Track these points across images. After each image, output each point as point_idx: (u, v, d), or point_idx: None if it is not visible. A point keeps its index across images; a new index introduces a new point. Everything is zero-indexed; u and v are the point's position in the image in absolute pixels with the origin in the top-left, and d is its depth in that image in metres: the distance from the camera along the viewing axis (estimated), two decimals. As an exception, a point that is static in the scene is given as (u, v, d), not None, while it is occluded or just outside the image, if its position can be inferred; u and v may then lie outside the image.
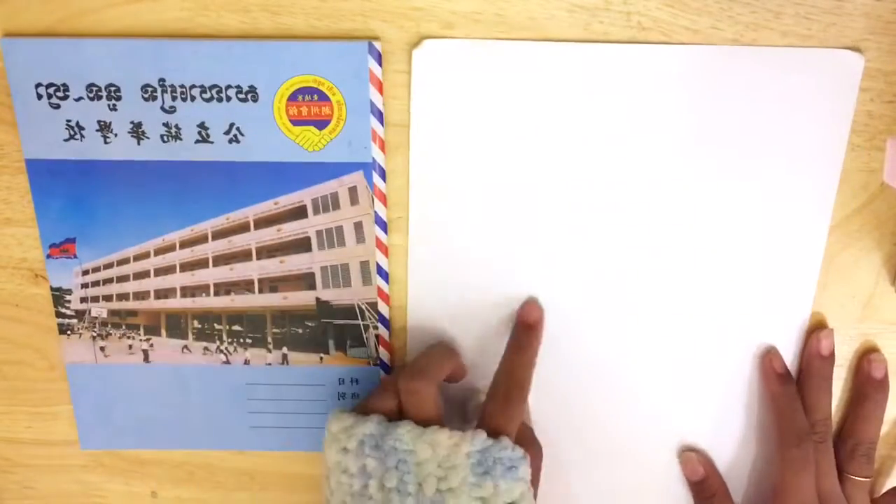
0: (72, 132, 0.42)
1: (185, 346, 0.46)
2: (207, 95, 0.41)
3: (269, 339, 0.46)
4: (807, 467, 0.42)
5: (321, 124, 0.41)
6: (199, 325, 0.46)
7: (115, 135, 0.42)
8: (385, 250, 0.44)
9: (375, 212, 0.43)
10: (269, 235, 0.44)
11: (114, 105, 0.41)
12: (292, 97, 0.41)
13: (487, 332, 0.45)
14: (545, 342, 0.45)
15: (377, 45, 0.40)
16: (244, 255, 0.44)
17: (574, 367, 0.46)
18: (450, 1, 0.39)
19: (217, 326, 0.46)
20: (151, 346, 0.46)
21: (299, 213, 0.43)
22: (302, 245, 0.44)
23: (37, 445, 0.50)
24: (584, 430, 0.47)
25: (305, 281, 0.45)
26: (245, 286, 0.45)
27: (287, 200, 0.43)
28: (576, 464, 0.48)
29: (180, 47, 0.40)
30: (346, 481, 0.39)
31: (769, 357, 0.45)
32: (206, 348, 0.46)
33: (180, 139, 0.42)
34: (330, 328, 0.46)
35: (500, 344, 0.44)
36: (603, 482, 0.48)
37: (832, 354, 0.44)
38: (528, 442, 0.41)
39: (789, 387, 0.44)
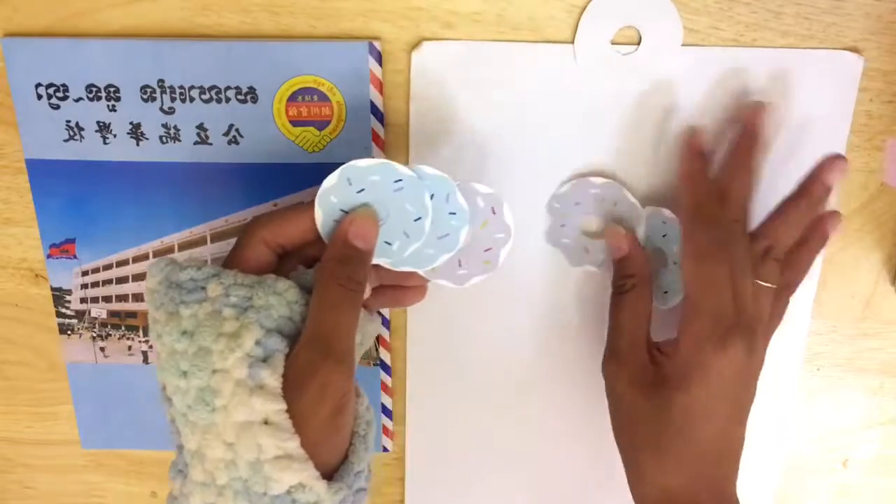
0: (71, 132, 0.42)
1: (185, 347, 0.46)
2: (206, 96, 0.40)
3: (269, 340, 0.46)
4: (718, 256, 0.37)
5: (321, 125, 0.41)
6: (199, 326, 0.46)
7: (115, 135, 0.42)
8: (385, 251, 0.44)
9: (375, 212, 0.43)
10: (269, 236, 0.44)
11: (113, 106, 0.41)
12: (292, 98, 0.40)
13: (488, 330, 0.45)
14: (548, 340, 0.45)
15: (377, 45, 0.40)
16: (244, 256, 0.44)
17: (571, 362, 0.46)
18: (450, 1, 0.39)
19: (217, 327, 0.46)
20: (151, 347, 0.46)
21: (299, 213, 0.43)
22: (302, 245, 0.44)
23: (37, 445, 0.50)
24: (583, 422, 0.47)
25: (305, 281, 0.44)
26: (245, 287, 0.45)
27: (287, 202, 0.43)
28: (570, 450, 0.48)
29: (180, 48, 0.40)
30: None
31: (690, 133, 0.40)
32: (205, 349, 0.46)
33: (179, 140, 0.42)
34: (330, 328, 0.45)
35: (501, 340, 0.44)
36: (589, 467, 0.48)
37: (759, 133, 0.39)
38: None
39: (702, 164, 0.40)
